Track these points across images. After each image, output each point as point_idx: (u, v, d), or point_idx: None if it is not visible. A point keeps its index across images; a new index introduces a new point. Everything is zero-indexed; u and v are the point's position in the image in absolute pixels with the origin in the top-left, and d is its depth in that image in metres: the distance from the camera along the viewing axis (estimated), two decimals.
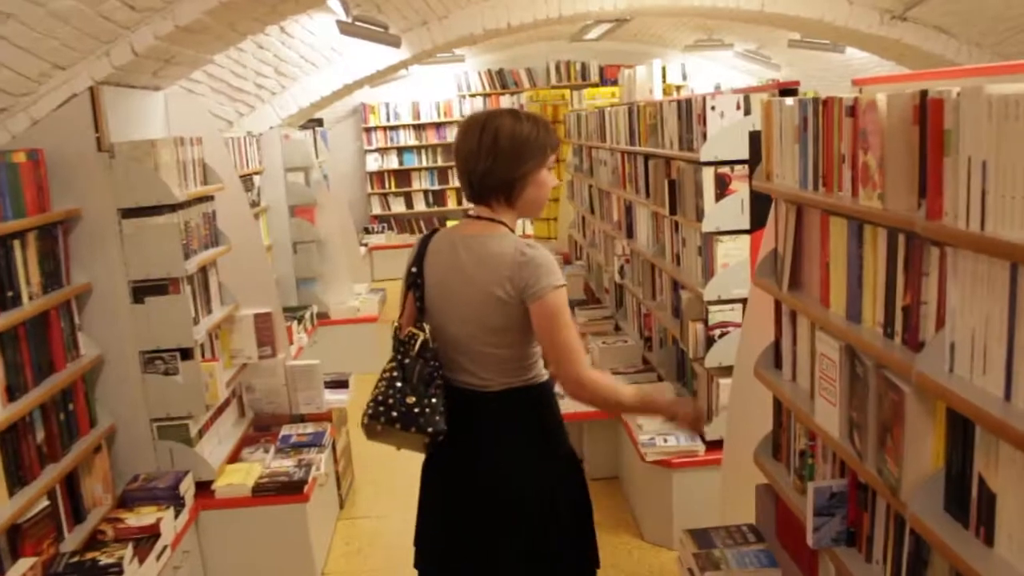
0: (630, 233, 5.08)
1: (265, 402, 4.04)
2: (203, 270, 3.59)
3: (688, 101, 3.53)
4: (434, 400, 2.11)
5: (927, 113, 1.52)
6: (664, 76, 6.20)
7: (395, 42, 5.99)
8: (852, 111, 1.84)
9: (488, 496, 2.19)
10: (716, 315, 3.43)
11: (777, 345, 2.46)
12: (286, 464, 3.61)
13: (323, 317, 6.68)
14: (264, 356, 3.93)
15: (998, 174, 1.32)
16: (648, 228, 4.64)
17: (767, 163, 2.36)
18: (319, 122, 9.27)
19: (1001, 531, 1.42)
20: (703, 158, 3.31)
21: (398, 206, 11.95)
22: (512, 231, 2.21)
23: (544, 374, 2.24)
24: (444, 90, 11.72)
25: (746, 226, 3.34)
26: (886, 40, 6.58)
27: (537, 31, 10.07)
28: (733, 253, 3.38)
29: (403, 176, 11.86)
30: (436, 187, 11.88)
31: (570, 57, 11.62)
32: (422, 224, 11.90)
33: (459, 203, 11.87)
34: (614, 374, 4.46)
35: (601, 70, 11.64)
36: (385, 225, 11.76)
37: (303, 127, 8.10)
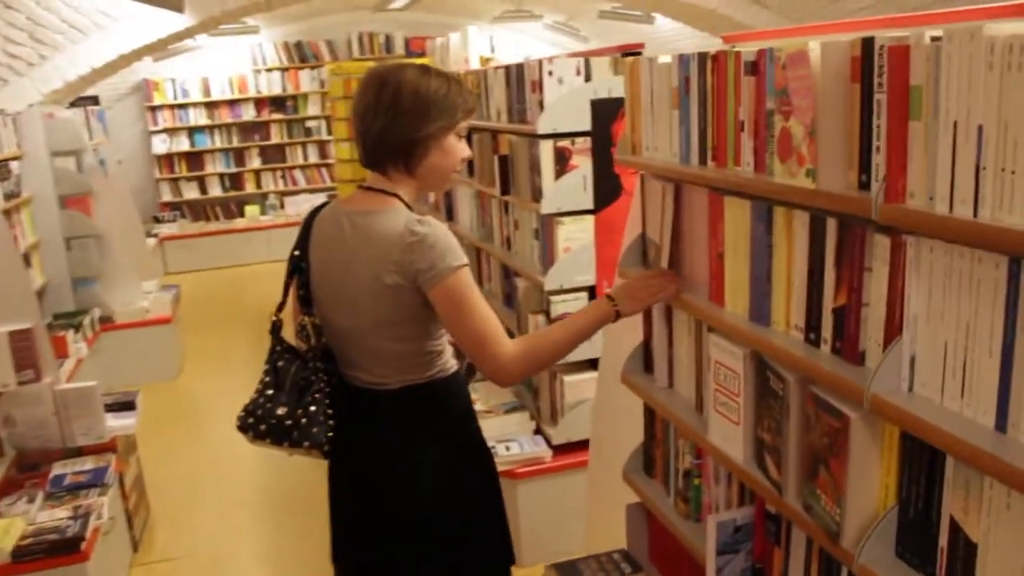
0: (450, 215, 4.67)
1: (30, 436, 3.32)
2: None
3: (520, 67, 3.14)
4: (312, 409, 1.83)
5: (877, 66, 1.18)
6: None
7: (177, 5, 5.24)
8: (754, 68, 1.50)
9: (393, 502, 1.93)
10: (559, 306, 3.08)
11: (647, 346, 2.13)
12: (58, 515, 2.95)
13: (107, 321, 5.83)
14: (25, 381, 3.23)
15: (999, 142, 0.99)
16: (471, 209, 4.25)
17: (633, 133, 2.00)
18: (94, 100, 8.20)
19: None
20: (540, 130, 2.93)
21: (191, 192, 10.92)
22: (409, 207, 1.87)
23: (450, 367, 1.96)
24: (237, 64, 10.78)
25: (589, 206, 3.00)
26: (700, 9, 6.50)
27: (338, 0, 9.42)
28: (576, 236, 3.03)
29: (195, 159, 10.83)
30: (232, 170, 10.93)
31: (373, 28, 11.00)
32: (218, 211, 10.95)
33: (258, 186, 11.02)
34: None
35: (407, 42, 11.08)
36: (177, 213, 10.72)
37: (73, 105, 7.10)
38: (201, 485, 4.36)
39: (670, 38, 8.43)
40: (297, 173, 11.15)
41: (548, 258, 3.10)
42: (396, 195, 1.87)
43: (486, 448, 2.05)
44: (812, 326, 1.44)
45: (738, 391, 1.63)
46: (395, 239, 1.77)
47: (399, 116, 1.80)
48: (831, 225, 1.35)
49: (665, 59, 1.81)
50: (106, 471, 3.26)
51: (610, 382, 2.35)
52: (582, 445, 3.18)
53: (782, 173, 1.40)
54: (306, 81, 10.91)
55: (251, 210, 10.72)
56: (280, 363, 1.90)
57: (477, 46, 5.70)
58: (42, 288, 5.46)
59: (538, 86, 2.94)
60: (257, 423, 1.85)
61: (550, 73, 2.89)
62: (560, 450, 3.18)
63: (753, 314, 1.59)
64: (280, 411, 1.83)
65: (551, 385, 3.19)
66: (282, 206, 10.77)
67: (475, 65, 5.26)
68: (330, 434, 1.85)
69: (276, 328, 1.95)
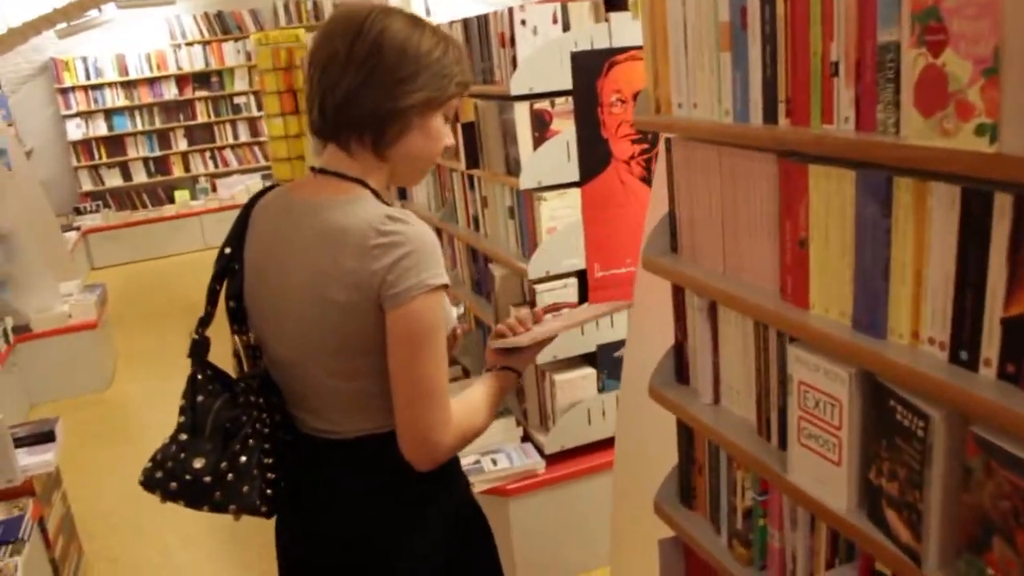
0: (402, 193, 4.21)
1: None
2: None
3: (484, 18, 2.67)
4: (241, 460, 1.41)
5: None
6: None
7: None
8: None
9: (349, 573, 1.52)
10: (546, 296, 2.66)
11: (680, 351, 1.71)
12: None
13: (23, 331, 5.24)
14: None
15: None
16: (428, 186, 3.79)
17: (657, 87, 1.56)
18: None
19: None
20: (514, 91, 2.48)
21: (113, 179, 10.16)
22: (378, 196, 1.43)
23: None
24: (154, 39, 10.01)
25: (574, 177, 2.57)
26: None
27: None
28: (561, 214, 2.60)
29: (116, 143, 10.07)
30: (157, 153, 10.18)
31: None
32: (145, 198, 10.23)
33: (186, 169, 10.31)
34: None
35: (335, 7, 10.44)
36: (100, 203, 9.99)
37: None
38: (142, 515, 3.86)
39: None
40: (228, 153, 10.47)
41: (529, 240, 2.66)
42: (361, 181, 1.43)
43: (476, 511, 1.62)
44: (963, 341, 1.03)
45: (839, 423, 1.23)
46: (354, 239, 1.34)
47: (375, 74, 1.36)
48: (1003, 203, 0.94)
49: None
50: (20, 522, 2.76)
51: (636, 391, 1.93)
52: (578, 452, 2.78)
53: (925, 131, 0.98)
54: (231, 54, 10.20)
55: (181, 195, 10.06)
56: (200, 398, 1.46)
57: (415, 8, 5.17)
58: None
59: (508, 39, 2.49)
60: (167, 479, 1.41)
61: (523, 22, 2.44)
62: (553, 460, 2.77)
63: (860, 321, 1.18)
64: (197, 463, 1.40)
65: (540, 385, 2.77)
66: (214, 189, 10.12)
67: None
68: (268, 491, 1.43)
69: (198, 349, 1.51)
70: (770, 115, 1.28)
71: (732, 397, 1.58)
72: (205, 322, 1.51)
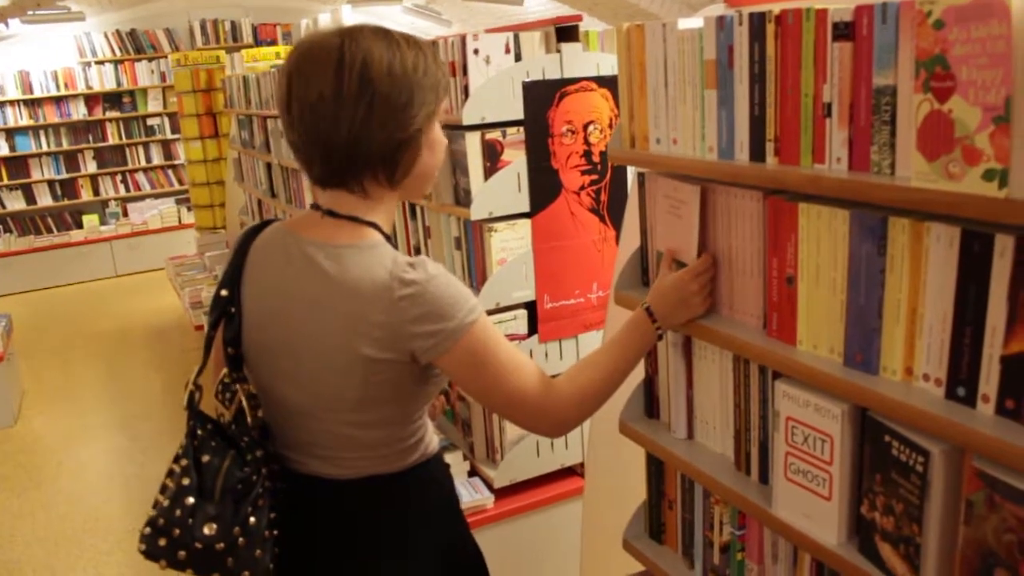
0: None
1: None
2: None
3: (432, 45, 2.64)
4: (251, 522, 1.32)
5: None
6: None
7: None
8: (849, 30, 1.10)
9: None
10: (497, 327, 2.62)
11: (651, 386, 1.71)
12: None
13: None
14: None
15: None
16: None
17: (632, 122, 1.57)
18: None
19: None
20: (466, 120, 2.46)
21: (16, 202, 9.70)
22: (388, 238, 1.40)
23: (433, 447, 1.51)
24: (61, 56, 9.65)
25: (524, 208, 2.56)
26: None
27: None
28: (512, 245, 2.58)
29: (18, 164, 9.63)
30: (64, 176, 9.78)
31: (216, 15, 10.10)
32: (50, 222, 9.81)
33: (95, 193, 9.93)
34: None
35: (255, 29, 10.25)
36: (1, 227, 9.54)
37: None
38: (57, 557, 3.66)
39: None
40: (140, 176, 10.13)
41: (478, 272, 2.64)
42: (372, 224, 1.38)
43: (472, 547, 1.60)
44: (960, 378, 1.05)
45: (830, 458, 1.24)
46: (378, 292, 1.29)
47: (374, 109, 1.29)
48: (1004, 244, 0.96)
49: (690, 23, 1.38)
50: None
51: (605, 425, 1.92)
52: (526, 486, 2.76)
53: (929, 174, 1.00)
54: (144, 74, 9.89)
55: (89, 220, 9.67)
56: (206, 457, 1.34)
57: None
58: None
59: (460, 67, 2.47)
60: (174, 547, 1.29)
61: (475, 51, 2.42)
62: (502, 493, 2.73)
63: (852, 357, 1.20)
64: (207, 530, 1.29)
65: (486, 419, 2.73)
66: (125, 214, 9.77)
67: None
68: (275, 550, 1.36)
69: (194, 402, 1.40)
70: (757, 153, 1.29)
71: (707, 432, 1.58)
72: (200, 372, 1.42)
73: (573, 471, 2.80)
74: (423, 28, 10.26)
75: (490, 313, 2.62)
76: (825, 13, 1.14)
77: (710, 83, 1.35)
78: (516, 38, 2.50)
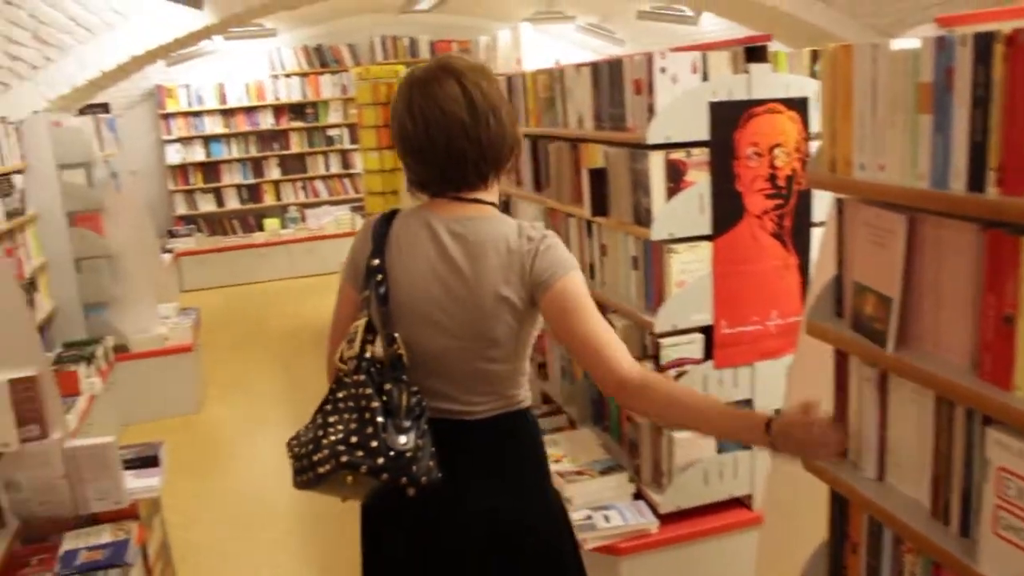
0: None
1: (36, 503, 2.83)
2: None
3: (616, 63, 2.64)
4: (423, 439, 1.64)
5: None
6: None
7: (196, 2, 4.76)
8: None
9: (487, 543, 1.76)
10: (671, 351, 2.58)
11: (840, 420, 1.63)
12: None
13: (122, 351, 5.36)
14: (29, 438, 2.74)
15: None
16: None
17: (834, 146, 1.50)
18: (104, 107, 7.76)
19: None
20: (650, 139, 2.44)
21: (207, 204, 10.43)
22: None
23: (530, 395, 1.85)
24: (254, 70, 10.32)
25: (705, 230, 2.51)
26: (757, 6, 6.00)
27: (360, 1, 8.96)
28: (692, 268, 2.53)
29: (211, 169, 10.36)
30: (251, 181, 10.43)
31: (396, 32, 10.51)
32: (236, 224, 10.47)
33: (278, 198, 10.54)
34: None
35: (432, 45, 10.59)
36: (193, 227, 10.25)
37: (82, 112, 6.66)
38: (232, 541, 3.88)
39: (716, 41, 7.94)
40: (319, 184, 10.68)
41: (655, 293, 2.60)
42: (491, 203, 1.78)
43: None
44: None
45: None
46: (513, 247, 1.68)
47: (498, 115, 1.71)
48: None
49: (906, 43, 1.31)
50: (126, 546, 2.77)
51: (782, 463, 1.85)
52: (693, 512, 2.69)
53: None
54: (327, 87, 10.43)
55: (271, 223, 10.24)
56: (388, 386, 1.64)
57: (524, 47, 5.20)
58: (50, 315, 5.00)
59: (646, 86, 2.45)
60: (371, 455, 1.55)
61: (663, 70, 2.39)
62: (668, 519, 2.67)
63: None
64: (403, 439, 1.59)
65: (655, 442, 2.69)
66: (303, 219, 10.30)
67: (528, 66, 4.75)
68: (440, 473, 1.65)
69: (364, 348, 1.69)
70: (976, 183, 1.21)
71: (900, 474, 1.49)
72: (369, 325, 1.69)
73: (740, 502, 2.71)
74: (596, 47, 10.30)
75: (665, 335, 2.58)
76: None
77: (924, 107, 1.28)
78: (704, 57, 2.46)
